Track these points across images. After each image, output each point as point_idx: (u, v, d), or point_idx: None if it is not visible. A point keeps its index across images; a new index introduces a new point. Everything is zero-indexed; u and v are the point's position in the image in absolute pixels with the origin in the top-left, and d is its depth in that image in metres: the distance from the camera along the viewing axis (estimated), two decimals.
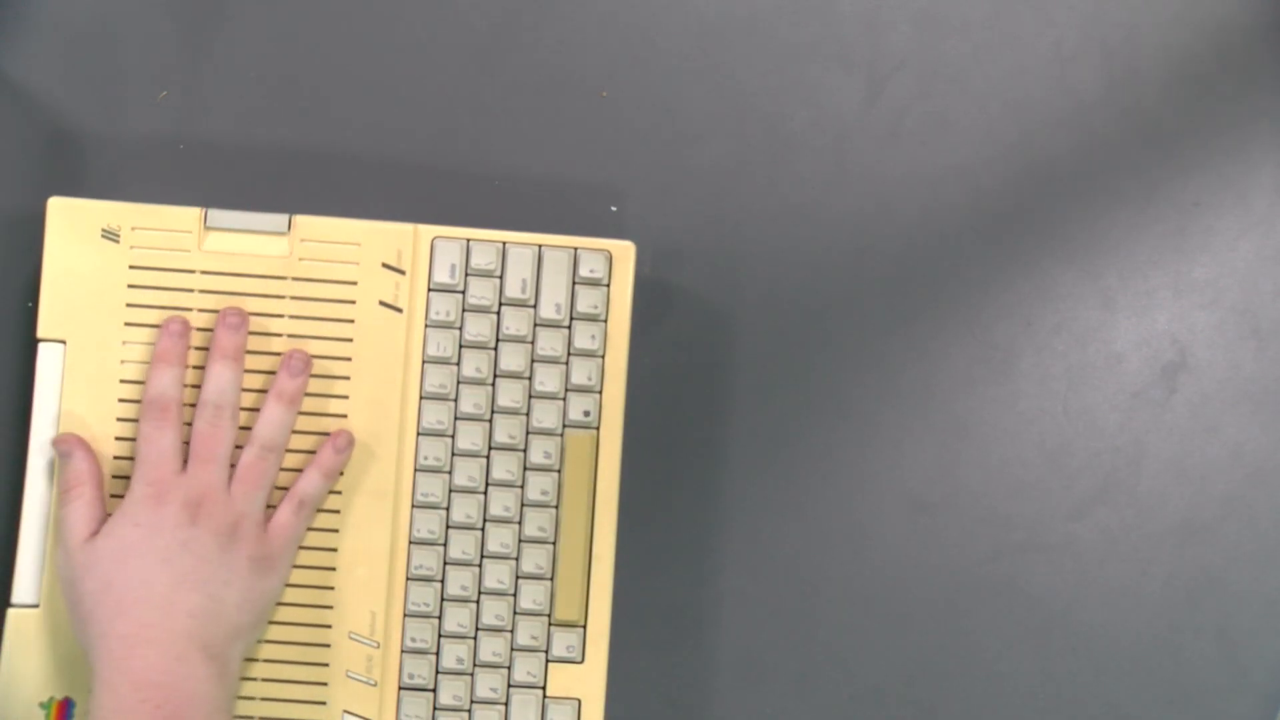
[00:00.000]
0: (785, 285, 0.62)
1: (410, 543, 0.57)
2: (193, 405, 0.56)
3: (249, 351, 0.57)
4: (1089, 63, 0.64)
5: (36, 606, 0.56)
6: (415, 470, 0.57)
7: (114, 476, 0.56)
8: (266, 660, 0.56)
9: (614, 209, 0.62)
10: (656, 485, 0.61)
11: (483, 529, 0.57)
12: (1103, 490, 0.63)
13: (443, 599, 0.57)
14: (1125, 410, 0.63)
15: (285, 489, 0.56)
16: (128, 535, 0.53)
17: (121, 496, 0.55)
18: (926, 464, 0.62)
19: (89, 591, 0.52)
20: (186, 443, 0.55)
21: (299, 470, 0.56)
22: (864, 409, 0.62)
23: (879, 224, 0.63)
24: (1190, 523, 0.63)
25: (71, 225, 0.56)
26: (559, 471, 0.58)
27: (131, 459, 0.56)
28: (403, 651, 0.57)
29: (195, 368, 0.57)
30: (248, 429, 0.56)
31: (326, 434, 0.57)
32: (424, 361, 0.57)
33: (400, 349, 0.57)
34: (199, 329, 0.57)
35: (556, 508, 0.58)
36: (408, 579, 0.57)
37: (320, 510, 0.57)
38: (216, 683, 0.51)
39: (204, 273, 0.57)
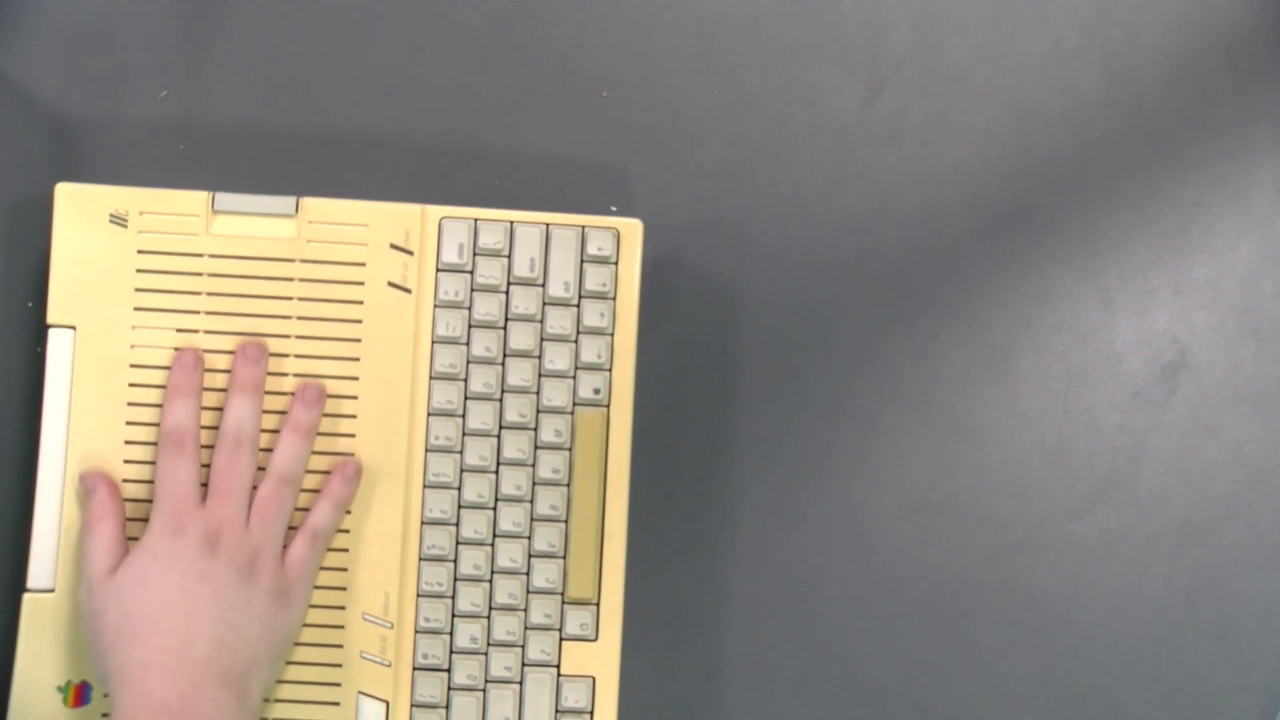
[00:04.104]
0: (785, 285, 0.62)
1: (422, 523, 0.57)
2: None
3: (259, 334, 0.57)
4: (1089, 63, 0.64)
5: (52, 591, 0.56)
6: (426, 450, 0.57)
7: (125, 461, 0.56)
8: None
9: (614, 209, 0.62)
10: (656, 486, 0.61)
11: (494, 508, 0.58)
12: (1103, 490, 0.63)
13: (456, 578, 0.57)
14: (1125, 410, 0.63)
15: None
16: (146, 567, 0.53)
17: (138, 485, 0.56)
18: (926, 464, 0.62)
19: (109, 624, 0.52)
20: (204, 481, 0.55)
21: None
22: (864, 409, 0.62)
23: (879, 224, 0.63)
24: (1190, 523, 0.63)
25: (80, 210, 0.57)
26: (570, 449, 0.58)
27: (143, 443, 0.56)
28: (416, 632, 0.57)
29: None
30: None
31: (336, 415, 0.57)
32: (433, 341, 0.58)
33: (409, 329, 0.57)
34: (208, 312, 0.57)
35: (568, 486, 0.58)
36: (420, 559, 0.57)
37: None
38: (235, 709, 0.51)
39: (212, 256, 0.57)
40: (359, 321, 0.57)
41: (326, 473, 0.57)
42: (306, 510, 0.56)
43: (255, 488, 0.55)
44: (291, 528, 0.56)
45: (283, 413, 0.57)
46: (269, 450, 0.56)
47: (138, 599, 0.52)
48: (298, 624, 0.55)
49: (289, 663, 0.57)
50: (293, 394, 0.57)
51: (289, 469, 0.56)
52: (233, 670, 0.52)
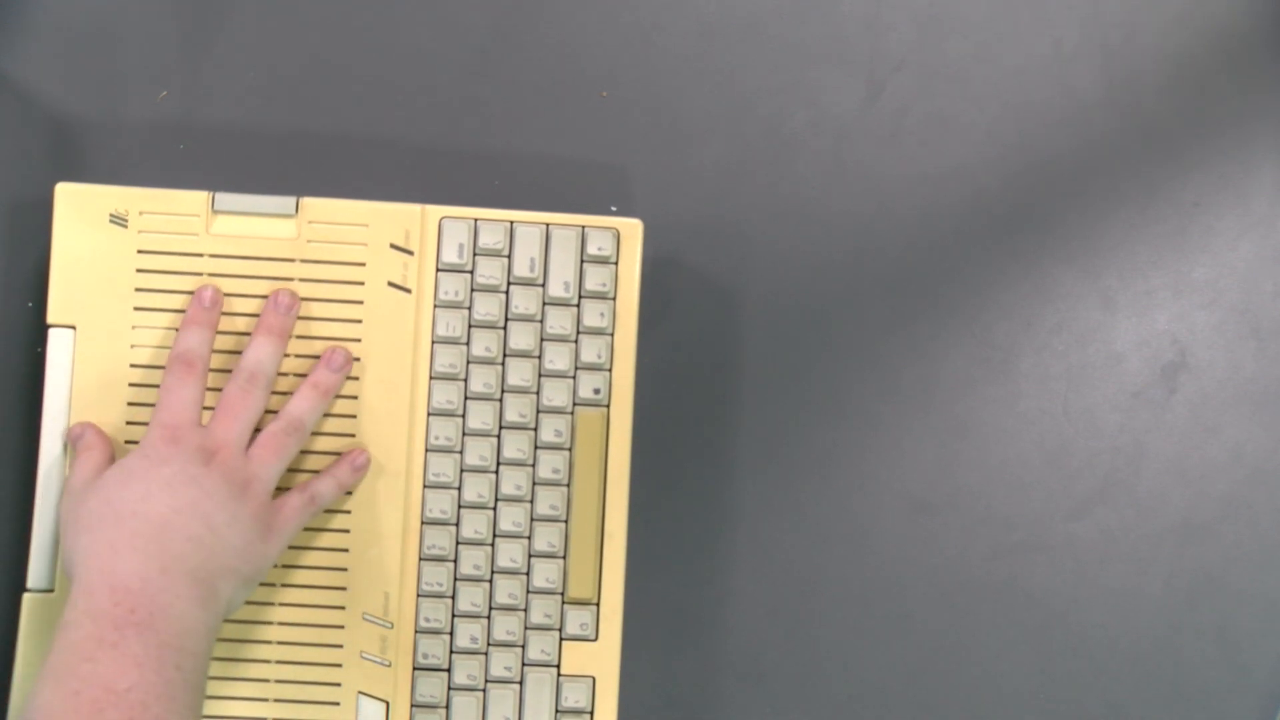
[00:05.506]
0: (785, 286, 0.62)
1: (422, 523, 0.57)
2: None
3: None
4: (1089, 63, 0.64)
5: (52, 591, 0.56)
6: (426, 450, 0.57)
7: None
8: (280, 642, 0.57)
9: (614, 209, 0.62)
10: (656, 486, 0.61)
11: (494, 508, 0.58)
12: (1103, 490, 0.63)
13: (456, 578, 0.57)
14: (1125, 410, 0.63)
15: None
16: (136, 463, 0.52)
17: None
18: (926, 464, 0.62)
19: (88, 509, 0.51)
20: (209, 408, 0.55)
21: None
22: (864, 409, 0.62)
23: (879, 224, 0.63)
24: (1190, 523, 0.63)
25: (80, 210, 0.57)
26: (570, 449, 0.58)
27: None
28: (416, 632, 0.57)
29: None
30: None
31: (337, 416, 0.57)
32: (433, 341, 0.58)
33: (409, 329, 0.57)
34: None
35: (568, 486, 0.58)
36: (420, 559, 0.57)
37: None
38: (199, 606, 0.49)
39: (212, 256, 0.57)
40: (359, 321, 0.57)
41: (335, 454, 0.57)
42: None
43: (259, 431, 0.55)
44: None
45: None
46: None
47: (122, 487, 0.51)
48: (271, 563, 0.53)
49: (289, 663, 0.57)
50: (318, 357, 0.56)
51: (301, 418, 0.55)
52: (202, 570, 0.50)
